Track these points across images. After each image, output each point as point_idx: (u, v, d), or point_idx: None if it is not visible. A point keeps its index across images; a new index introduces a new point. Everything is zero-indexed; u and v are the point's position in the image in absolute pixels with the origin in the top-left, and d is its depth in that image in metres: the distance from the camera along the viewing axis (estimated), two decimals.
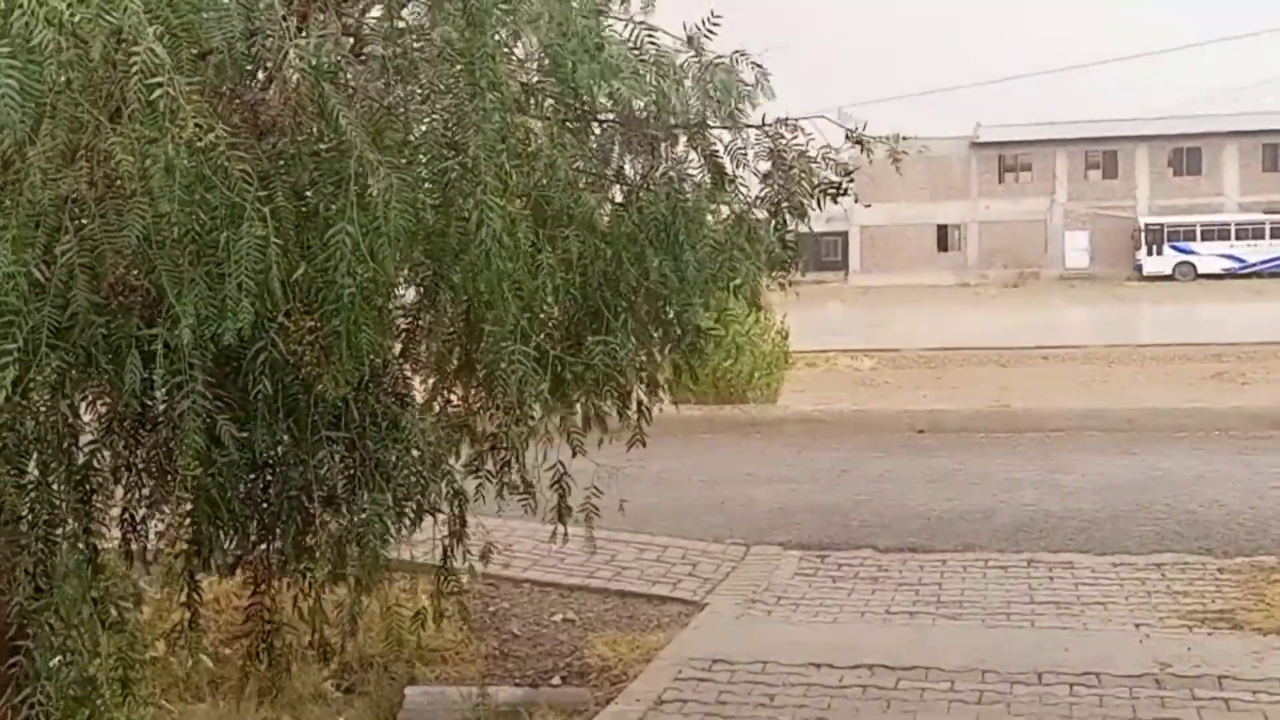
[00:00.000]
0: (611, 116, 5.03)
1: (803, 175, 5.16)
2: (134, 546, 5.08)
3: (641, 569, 9.49)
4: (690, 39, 5.17)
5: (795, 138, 5.24)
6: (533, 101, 4.80)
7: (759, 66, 5.13)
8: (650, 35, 4.97)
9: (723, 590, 8.93)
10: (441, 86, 4.31)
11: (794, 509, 11.37)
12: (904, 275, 73.55)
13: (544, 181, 4.54)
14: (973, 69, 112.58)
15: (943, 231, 77.35)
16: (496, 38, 4.33)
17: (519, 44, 4.80)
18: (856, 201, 5.89)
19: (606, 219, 5.06)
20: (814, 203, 5.34)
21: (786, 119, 5.19)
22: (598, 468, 5.68)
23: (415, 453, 4.95)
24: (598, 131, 5.11)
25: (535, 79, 4.75)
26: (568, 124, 4.89)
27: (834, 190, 5.36)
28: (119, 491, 4.87)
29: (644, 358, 5.47)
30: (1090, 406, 17.25)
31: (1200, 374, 22.85)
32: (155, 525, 5.03)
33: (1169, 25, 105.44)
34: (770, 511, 11.30)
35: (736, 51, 5.08)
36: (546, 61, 4.73)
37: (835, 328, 38.59)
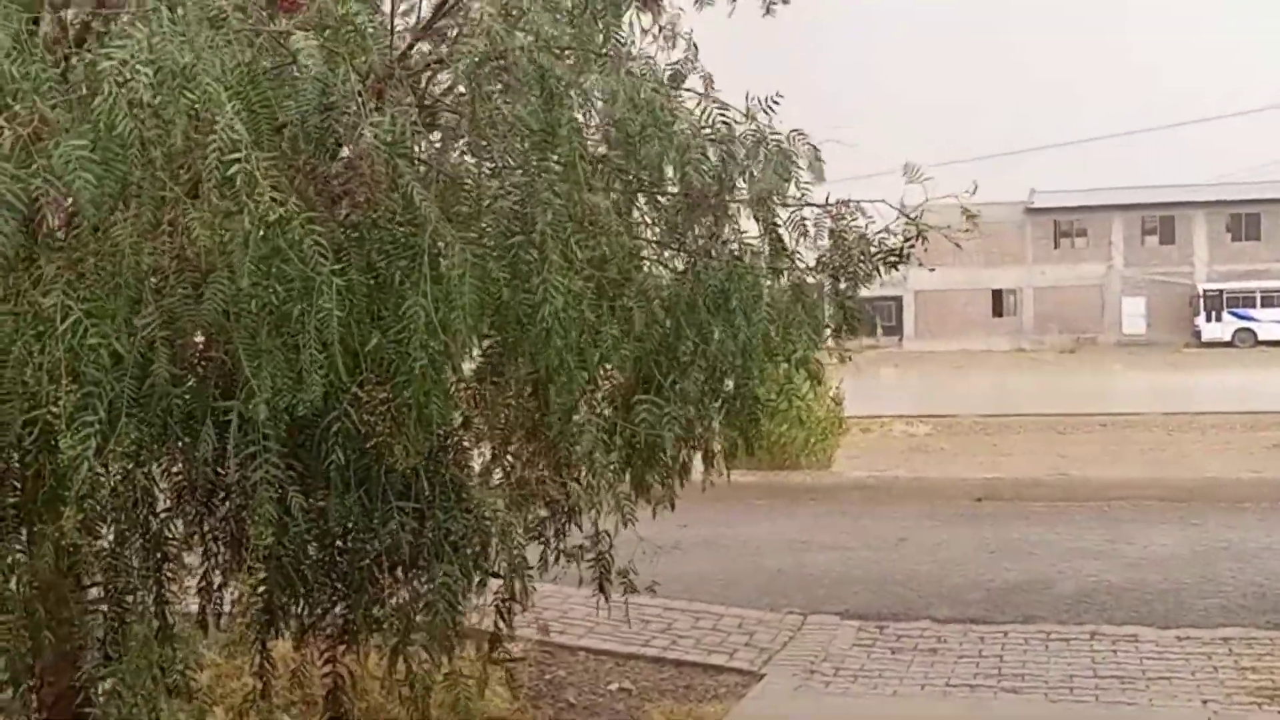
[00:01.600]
0: (676, 190, 5.11)
1: (861, 253, 5.21)
2: (209, 614, 5.14)
3: (697, 637, 9.47)
4: (748, 112, 5.27)
5: (855, 219, 5.31)
6: (600, 174, 4.90)
7: (813, 147, 5.21)
8: (722, 113, 5.06)
9: (780, 660, 8.88)
10: (512, 161, 4.40)
11: (851, 578, 11.30)
12: (959, 340, 73.23)
13: (607, 254, 4.61)
14: (1031, 133, 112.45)
15: (998, 296, 77.02)
16: (568, 115, 4.41)
17: (588, 117, 4.90)
18: (919, 265, 5.94)
19: (666, 288, 5.13)
20: (873, 272, 5.39)
21: (847, 200, 5.26)
22: (645, 538, 5.69)
23: (482, 521, 5.00)
24: (663, 202, 5.19)
25: (603, 152, 4.85)
26: (634, 197, 4.99)
27: (894, 260, 5.41)
28: (194, 559, 4.94)
29: (701, 428, 5.51)
30: (1150, 475, 17.09)
31: (1262, 443, 22.54)
32: (230, 593, 5.09)
33: (1226, 91, 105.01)
34: (827, 580, 11.25)
35: (795, 130, 5.17)
36: (615, 135, 4.83)
37: (890, 393, 38.44)
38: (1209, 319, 69.47)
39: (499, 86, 4.37)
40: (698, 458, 5.84)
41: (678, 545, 12.51)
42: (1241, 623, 9.32)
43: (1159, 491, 15.35)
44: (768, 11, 5.51)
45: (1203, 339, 68.57)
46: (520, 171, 4.39)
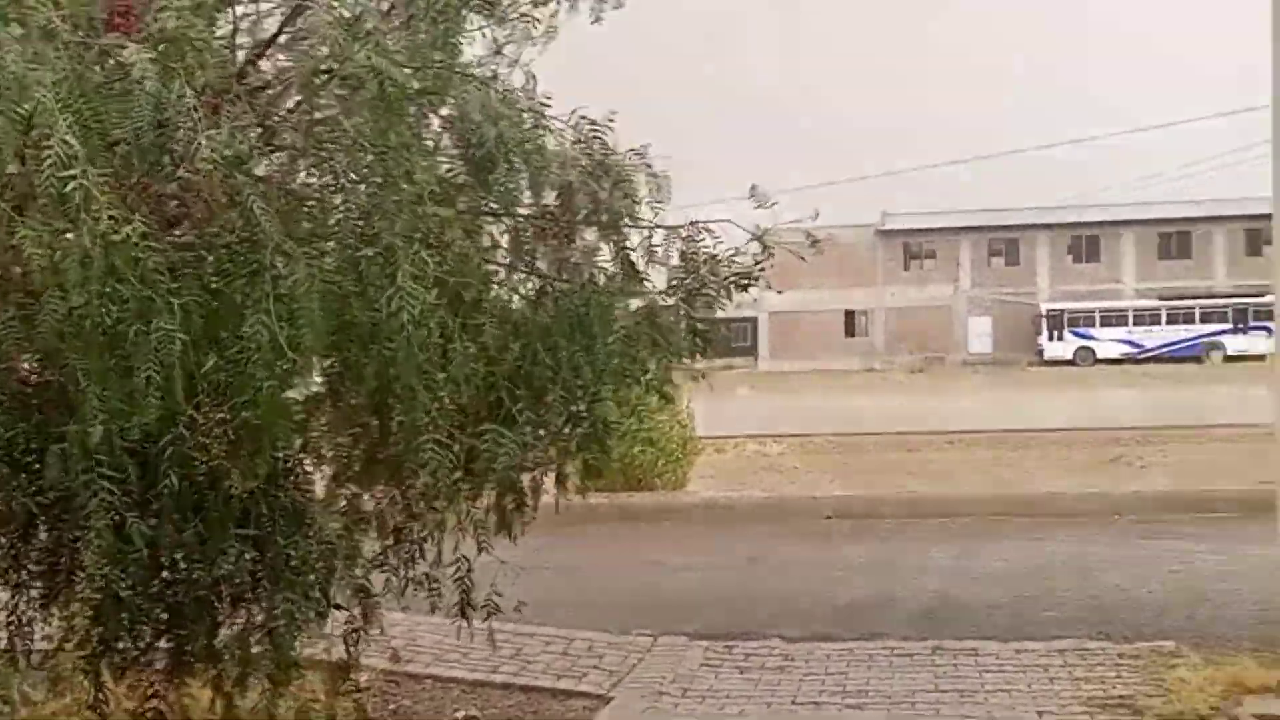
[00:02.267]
0: (527, 210, 5.14)
1: (712, 275, 5.30)
2: (19, 649, 4.96)
3: (547, 662, 9.46)
4: (580, 137, 5.33)
5: (703, 241, 5.40)
6: (448, 191, 4.89)
7: (655, 176, 5.29)
8: (572, 133, 5.11)
9: (629, 683, 8.93)
10: (355, 176, 4.37)
11: (702, 598, 11.41)
12: (812, 360, 74.42)
13: (457, 272, 4.61)
14: (879, 158, 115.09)
15: (850, 317, 78.59)
16: (412, 130, 4.41)
17: (435, 133, 4.90)
18: (768, 288, 6.06)
19: (518, 310, 5.15)
20: (724, 294, 5.47)
21: (696, 222, 5.35)
22: (503, 562, 5.67)
23: (323, 548, 4.94)
24: (513, 223, 5.21)
25: (452, 170, 4.85)
26: (484, 215, 4.99)
27: (744, 283, 5.51)
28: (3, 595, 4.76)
29: (553, 451, 5.52)
30: (994, 492, 17.60)
31: (1100, 459, 23.39)
32: (47, 626, 4.92)
33: (1068, 119, 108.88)
34: (678, 601, 11.34)
35: (632, 150, 5.24)
36: (464, 153, 4.83)
37: (745, 413, 38.85)
38: (1051, 338, 71.81)
39: (338, 99, 4.35)
40: (550, 480, 5.83)
41: (531, 568, 12.49)
42: (1077, 634, 9.65)
43: (1002, 507, 15.83)
44: (596, 20, 5.55)
45: (1045, 357, 70.79)
46: (365, 186, 4.36)
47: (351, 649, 5.85)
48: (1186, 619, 10.02)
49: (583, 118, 5.18)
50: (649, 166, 5.33)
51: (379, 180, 4.32)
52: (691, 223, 5.42)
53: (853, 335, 78.39)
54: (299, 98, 4.77)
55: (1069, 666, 8.82)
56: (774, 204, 5.56)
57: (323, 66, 4.23)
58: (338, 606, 5.48)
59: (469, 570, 5.71)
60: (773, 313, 75.84)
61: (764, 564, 12.99)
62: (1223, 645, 9.05)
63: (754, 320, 78.06)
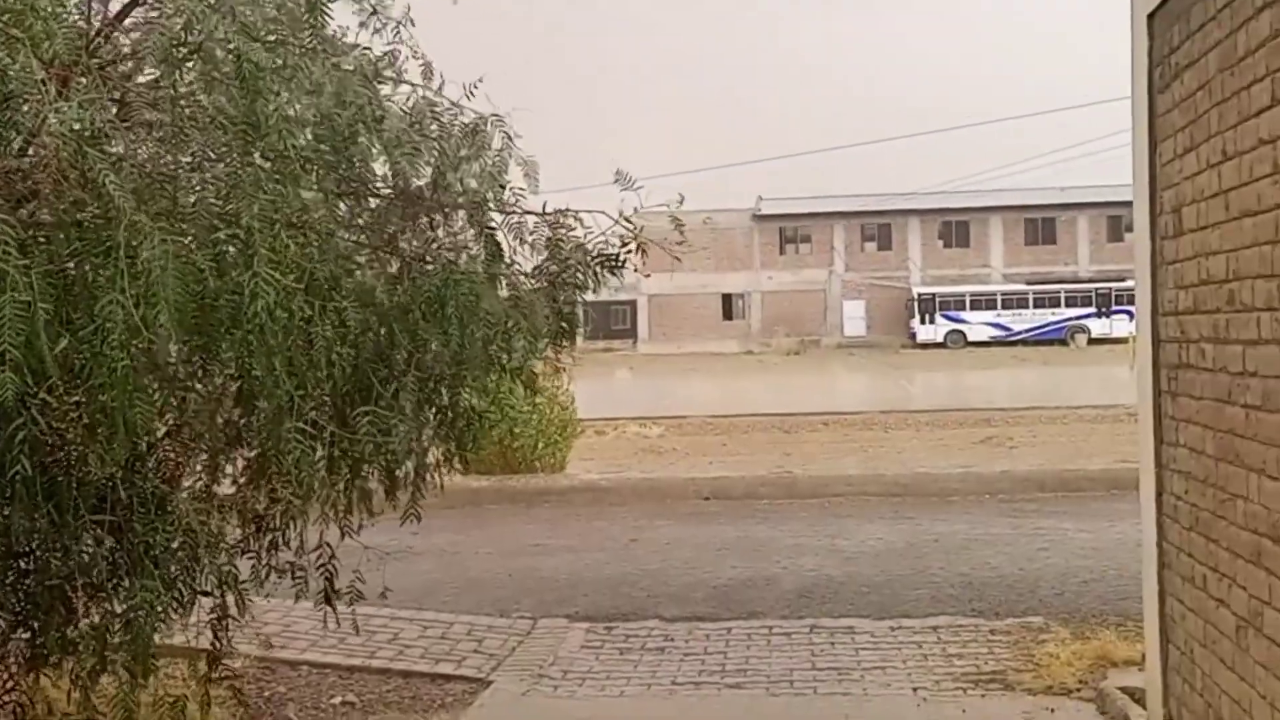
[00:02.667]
0: (389, 190, 4.97)
1: (579, 261, 5.19)
2: None
3: (425, 647, 9.30)
4: (448, 119, 5.19)
5: (573, 229, 5.29)
6: (310, 170, 4.70)
7: (526, 163, 5.18)
8: (433, 110, 4.95)
9: (508, 666, 8.82)
10: (213, 155, 4.17)
11: (582, 580, 11.34)
12: (691, 343, 74.88)
13: (318, 254, 4.43)
14: (757, 143, 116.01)
15: (728, 300, 79.12)
16: (272, 106, 4.22)
17: (295, 110, 4.70)
18: (636, 271, 5.96)
19: (381, 291, 4.97)
20: (591, 278, 5.37)
21: (565, 209, 5.24)
22: (374, 547, 5.51)
23: (185, 537, 4.73)
24: (375, 204, 5.04)
25: (312, 149, 4.65)
26: (344, 196, 4.82)
27: (611, 264, 5.40)
28: None
29: (415, 439, 5.37)
30: (868, 472, 17.77)
31: (971, 439, 23.79)
32: None
33: (941, 105, 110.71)
34: (558, 583, 11.25)
35: (494, 115, 5.11)
36: (324, 132, 4.65)
37: (624, 395, 38.90)
38: (923, 321, 73.10)
39: (195, 74, 4.14)
40: (418, 466, 5.67)
41: (408, 553, 12.31)
42: (950, 611, 9.77)
43: (877, 487, 15.99)
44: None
45: (918, 340, 72.10)
46: (223, 165, 4.16)
47: (220, 637, 5.64)
48: (1055, 595, 10.20)
49: (446, 103, 5.02)
50: (518, 149, 5.20)
51: (238, 158, 4.13)
52: (559, 210, 5.31)
53: (730, 318, 79.01)
54: (157, 73, 4.53)
55: (943, 643, 8.91)
56: (639, 187, 5.46)
57: (178, 41, 4.00)
58: (205, 593, 5.27)
59: (331, 557, 5.52)
60: (652, 296, 76.07)
61: (644, 545, 12.95)
62: (1090, 620, 9.23)
63: (633, 303, 78.22)
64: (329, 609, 5.66)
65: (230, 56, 3.98)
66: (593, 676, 8.53)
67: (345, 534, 5.35)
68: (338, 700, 8.34)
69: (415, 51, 5.28)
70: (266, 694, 8.42)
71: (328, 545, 5.50)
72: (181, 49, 4.02)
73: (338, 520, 5.41)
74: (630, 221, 5.32)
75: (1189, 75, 5.39)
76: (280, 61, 4.19)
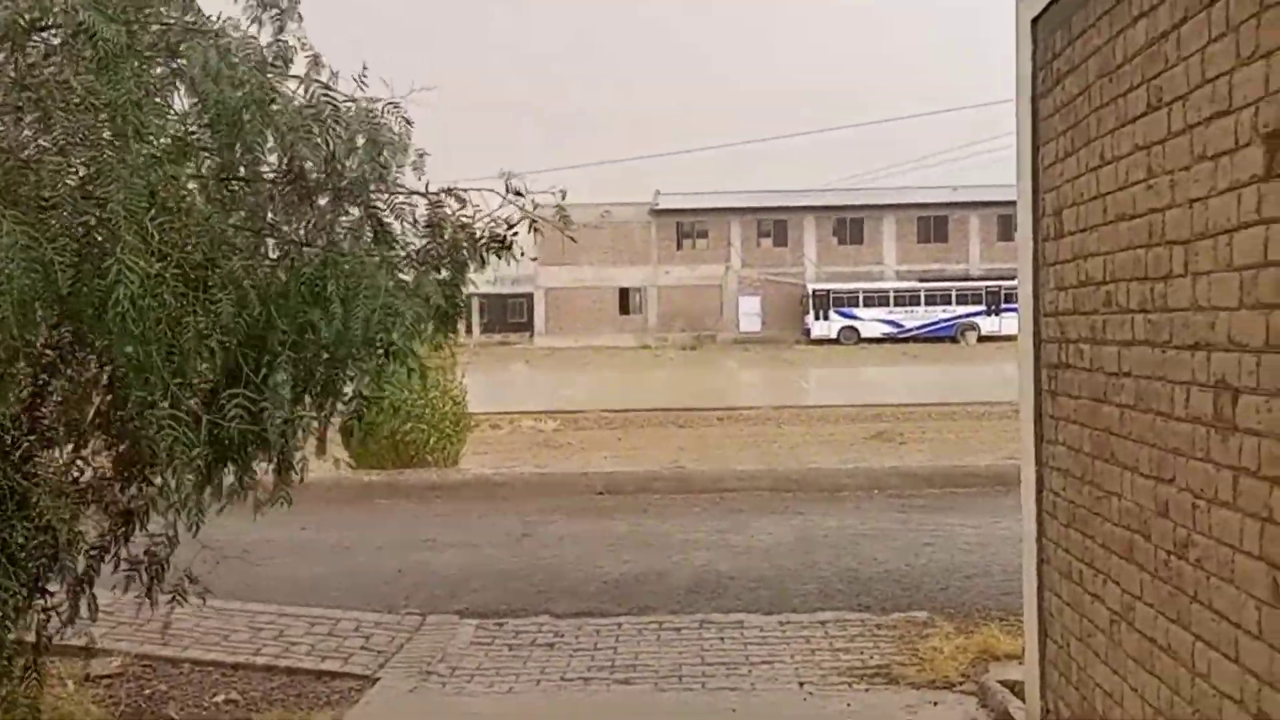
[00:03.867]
0: (273, 174, 4.85)
1: (464, 241, 5.11)
2: None
3: (312, 644, 9.15)
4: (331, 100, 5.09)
5: (462, 208, 5.21)
6: (188, 154, 4.56)
7: (416, 154, 5.10)
8: (325, 93, 4.84)
9: (396, 663, 8.70)
10: (79, 138, 4.03)
11: (473, 575, 11.25)
12: (587, 337, 74.84)
13: (195, 240, 4.30)
14: (655, 137, 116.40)
15: (624, 295, 79.18)
16: (144, 87, 4.08)
17: (178, 96, 4.57)
18: (525, 256, 5.89)
19: (260, 275, 4.85)
20: (476, 258, 5.29)
21: (451, 188, 5.15)
22: (206, 547, 5.34)
23: (48, 531, 4.57)
24: (261, 190, 4.91)
25: (194, 133, 4.52)
26: (229, 181, 4.69)
27: (497, 246, 5.34)
28: None
29: (301, 421, 5.25)
30: (761, 468, 17.89)
31: (862, 434, 24.07)
32: None
33: (842, 102, 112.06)
34: (449, 578, 11.15)
35: (390, 102, 5.02)
36: (205, 114, 4.51)
37: (520, 389, 38.76)
38: (818, 317, 73.82)
39: (65, 54, 3.99)
40: (283, 451, 5.54)
41: (297, 547, 12.12)
42: (837, 606, 9.86)
43: (768, 482, 16.09)
44: None
45: (812, 336, 72.83)
46: (91, 148, 4.02)
47: (89, 635, 5.48)
48: (940, 590, 10.33)
49: (327, 89, 4.91)
50: (405, 137, 5.10)
51: (106, 141, 3.99)
52: (444, 189, 5.22)
53: (627, 312, 79.11)
54: (3, 52, 4.35)
55: (830, 637, 8.98)
56: (517, 178, 5.40)
57: (25, 18, 3.85)
58: (79, 589, 5.11)
59: (170, 550, 5.35)
60: (549, 289, 75.90)
61: (535, 540, 12.89)
62: (974, 615, 9.36)
63: (530, 296, 77.97)
64: (151, 603, 5.46)
65: (83, 35, 3.82)
66: (481, 673, 8.46)
67: (195, 528, 5.12)
68: (220, 698, 8.16)
69: (304, 43, 5.17)
70: (147, 692, 8.23)
71: (168, 538, 5.32)
72: (23, 21, 3.84)
73: (199, 511, 5.23)
74: (520, 194, 5.25)
75: (1070, 80, 5.47)
76: (149, 41, 4.05)
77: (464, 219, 5.22)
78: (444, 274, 5.25)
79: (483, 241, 5.26)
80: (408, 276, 5.19)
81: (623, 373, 49.13)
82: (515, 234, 5.34)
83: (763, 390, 38.87)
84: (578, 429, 27.22)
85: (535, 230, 5.44)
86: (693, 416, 28.92)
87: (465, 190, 5.22)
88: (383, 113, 5.12)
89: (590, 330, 76.17)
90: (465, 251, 5.19)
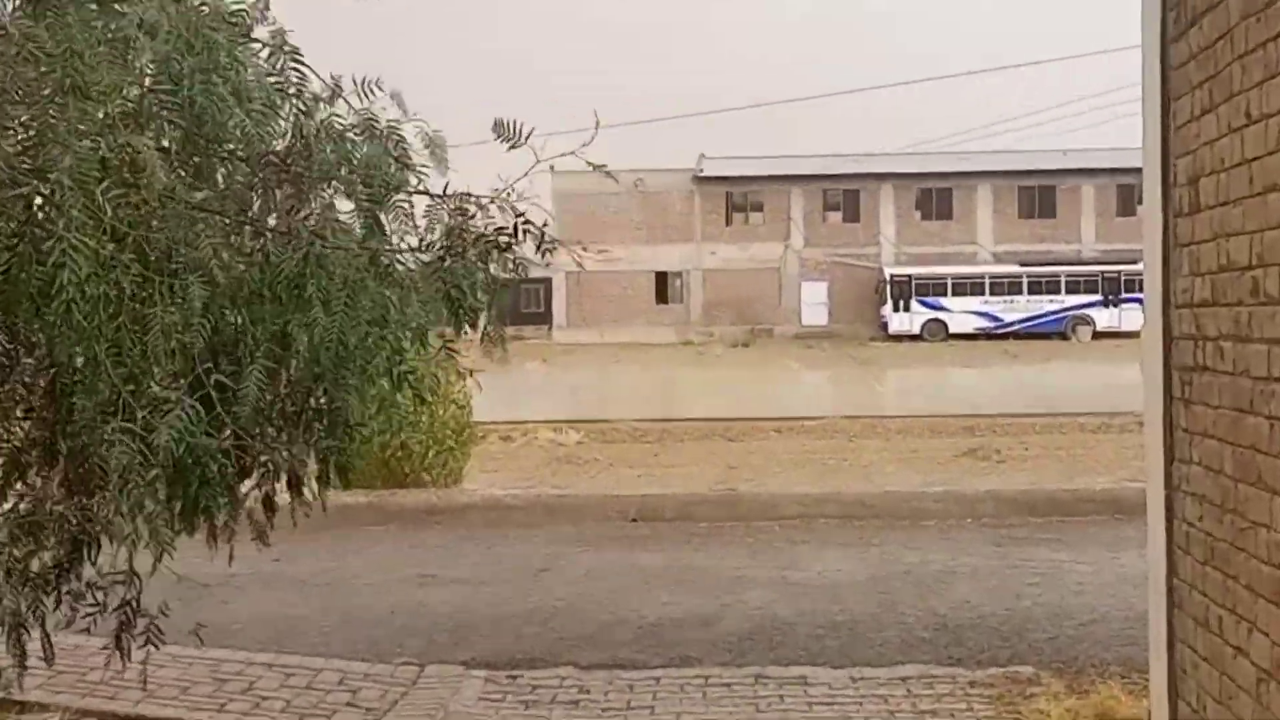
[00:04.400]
0: (238, 150, 4.89)
1: (480, 259, 5.17)
2: None
3: (288, 699, 9.20)
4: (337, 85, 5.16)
5: (473, 215, 5.27)
6: (150, 123, 4.60)
7: (431, 138, 5.15)
8: (296, 61, 4.88)
9: None
10: (16, 95, 4.06)
11: (480, 618, 11.29)
12: (617, 330, 74.90)
13: (155, 219, 4.33)
14: (693, 99, 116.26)
15: (662, 280, 79.17)
16: (97, 38, 4.12)
17: (132, 54, 4.61)
18: (551, 242, 5.92)
19: (237, 271, 4.88)
20: (481, 261, 5.34)
21: (467, 194, 5.20)
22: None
23: None
24: (235, 169, 4.95)
25: (150, 97, 4.55)
26: (192, 154, 4.72)
27: (502, 242, 5.39)
28: None
29: (281, 448, 5.30)
30: (827, 490, 17.87)
31: (951, 451, 24.01)
32: None
33: (924, 51, 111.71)
34: (451, 622, 11.19)
35: (367, 80, 5.09)
36: (167, 75, 4.55)
37: (536, 394, 38.80)
38: (897, 309, 73.61)
39: None
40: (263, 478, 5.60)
41: (268, 582, 12.19)
42: (921, 659, 9.83)
43: (836, 508, 16.07)
44: None
45: (890, 331, 72.65)
46: (31, 106, 4.06)
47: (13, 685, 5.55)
48: (1047, 640, 10.30)
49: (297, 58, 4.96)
50: (423, 123, 5.18)
51: (47, 98, 4.02)
52: (461, 194, 5.28)
53: (665, 301, 79.12)
54: None
55: (912, 697, 8.97)
56: (529, 134, 5.42)
57: None
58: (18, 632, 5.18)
59: (138, 591, 5.41)
60: (570, 273, 75.81)
61: (556, 576, 12.92)
62: (1087, 671, 9.32)
63: (548, 282, 78.07)
64: (121, 653, 5.54)
65: None
66: None
67: (160, 558, 5.18)
68: None
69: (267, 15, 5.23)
70: None
71: (134, 575, 5.38)
72: None
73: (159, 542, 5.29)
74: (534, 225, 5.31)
75: (1208, 21, 5.44)
76: None
77: (481, 233, 5.28)
78: (450, 269, 5.28)
79: (485, 241, 5.29)
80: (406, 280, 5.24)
81: (660, 374, 49.16)
82: (527, 228, 5.37)
83: (830, 396, 38.84)
84: (605, 442, 27.28)
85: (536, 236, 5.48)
86: (745, 427, 28.94)
87: (481, 199, 5.26)
88: (365, 89, 5.18)
89: (621, 323, 76.26)
90: (474, 252, 5.23)
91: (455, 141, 5.45)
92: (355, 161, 5.17)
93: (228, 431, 4.75)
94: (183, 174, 4.52)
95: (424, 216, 5.42)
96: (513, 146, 5.18)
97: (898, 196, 78.18)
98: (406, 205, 5.36)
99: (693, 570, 13.03)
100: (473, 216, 5.42)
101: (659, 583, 12.48)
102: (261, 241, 5.00)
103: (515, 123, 5.19)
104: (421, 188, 5.40)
